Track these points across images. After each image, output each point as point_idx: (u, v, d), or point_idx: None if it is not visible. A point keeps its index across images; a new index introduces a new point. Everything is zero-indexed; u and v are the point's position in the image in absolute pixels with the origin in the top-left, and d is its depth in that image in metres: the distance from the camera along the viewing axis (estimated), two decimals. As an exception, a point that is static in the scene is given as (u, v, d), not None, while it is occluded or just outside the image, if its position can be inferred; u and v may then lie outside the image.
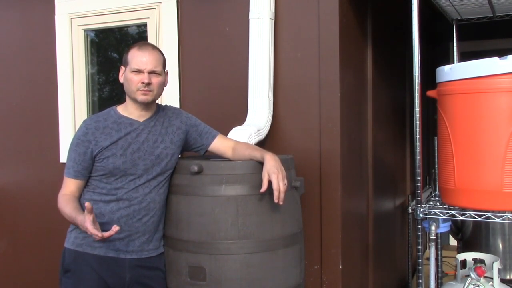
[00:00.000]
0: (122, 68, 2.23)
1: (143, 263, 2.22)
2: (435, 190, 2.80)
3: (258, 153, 2.19)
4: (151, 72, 2.16)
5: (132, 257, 2.20)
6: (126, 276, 2.19)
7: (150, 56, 2.17)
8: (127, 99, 2.24)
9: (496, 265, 2.48)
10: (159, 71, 2.19)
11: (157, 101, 2.33)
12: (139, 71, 2.15)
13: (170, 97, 2.97)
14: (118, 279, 2.18)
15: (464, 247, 3.38)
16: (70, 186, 2.19)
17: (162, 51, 2.29)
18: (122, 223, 2.16)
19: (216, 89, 2.93)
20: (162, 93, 2.28)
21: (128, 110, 2.24)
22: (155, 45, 2.99)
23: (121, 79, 2.24)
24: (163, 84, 2.25)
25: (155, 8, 3.05)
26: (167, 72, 2.30)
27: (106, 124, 2.20)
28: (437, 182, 2.56)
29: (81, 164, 2.17)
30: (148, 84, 2.15)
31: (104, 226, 2.15)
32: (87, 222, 1.93)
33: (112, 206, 2.17)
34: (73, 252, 2.18)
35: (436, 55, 5.22)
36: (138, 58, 2.16)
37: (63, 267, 2.21)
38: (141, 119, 2.24)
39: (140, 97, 2.17)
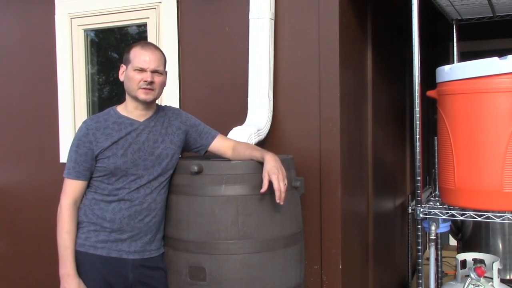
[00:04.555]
0: (123, 67, 2.22)
1: (146, 263, 2.22)
2: (435, 190, 2.80)
3: (258, 153, 2.19)
4: (154, 71, 2.17)
5: (134, 258, 2.20)
6: (129, 276, 2.19)
7: (153, 55, 2.18)
8: (127, 98, 2.24)
9: (496, 265, 2.48)
10: (161, 70, 2.21)
11: (156, 101, 2.33)
12: (142, 70, 2.16)
13: (170, 97, 2.97)
14: (121, 279, 2.18)
15: (464, 247, 3.38)
16: (72, 190, 2.17)
17: (163, 51, 2.29)
18: (124, 224, 2.17)
19: (216, 89, 2.93)
20: (161, 93, 2.28)
21: (127, 110, 2.24)
22: (156, 44, 3.00)
23: (122, 78, 2.23)
24: (164, 84, 2.26)
25: (155, 8, 3.05)
26: (167, 72, 2.30)
27: (107, 124, 2.20)
28: (437, 182, 2.55)
29: (82, 165, 2.17)
30: (151, 82, 2.16)
31: (106, 226, 2.17)
32: None
33: (114, 206, 2.17)
34: (76, 253, 2.17)
35: (436, 55, 5.22)
36: (141, 57, 2.16)
37: None
38: (141, 119, 2.24)
39: (141, 96, 2.17)
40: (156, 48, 2.25)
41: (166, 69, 2.30)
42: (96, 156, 2.16)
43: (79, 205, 2.20)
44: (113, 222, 2.16)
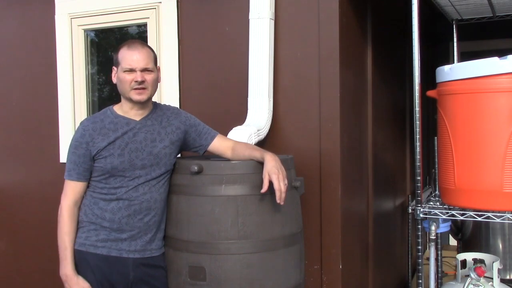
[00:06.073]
0: (114, 69, 2.23)
1: (147, 262, 2.23)
2: (435, 190, 2.80)
3: (258, 153, 2.19)
4: (143, 70, 2.16)
5: (135, 257, 2.20)
6: (130, 274, 2.19)
7: (140, 54, 2.16)
8: (122, 98, 2.25)
9: (496, 265, 2.48)
10: (151, 67, 2.19)
11: (156, 101, 2.33)
12: (131, 70, 2.15)
13: (170, 97, 2.97)
14: (121, 278, 2.18)
15: (464, 247, 3.38)
16: (72, 191, 2.19)
17: (154, 49, 2.28)
18: (123, 223, 2.17)
19: (216, 89, 2.93)
20: (156, 90, 2.28)
21: (123, 109, 2.25)
22: (156, 44, 3.00)
23: (114, 80, 2.24)
24: (156, 81, 2.25)
25: (155, 8, 3.05)
26: (159, 68, 2.30)
27: (103, 124, 2.20)
28: (437, 182, 2.56)
29: (82, 166, 2.17)
30: (142, 82, 2.16)
31: (106, 226, 2.18)
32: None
33: (113, 206, 2.17)
34: (77, 252, 2.18)
35: (436, 55, 5.22)
36: (129, 57, 2.15)
37: None
38: (138, 118, 2.24)
39: (135, 97, 2.17)
40: (143, 45, 2.23)
41: (160, 66, 2.29)
42: (94, 156, 2.17)
43: (80, 205, 2.21)
44: (113, 221, 2.17)
